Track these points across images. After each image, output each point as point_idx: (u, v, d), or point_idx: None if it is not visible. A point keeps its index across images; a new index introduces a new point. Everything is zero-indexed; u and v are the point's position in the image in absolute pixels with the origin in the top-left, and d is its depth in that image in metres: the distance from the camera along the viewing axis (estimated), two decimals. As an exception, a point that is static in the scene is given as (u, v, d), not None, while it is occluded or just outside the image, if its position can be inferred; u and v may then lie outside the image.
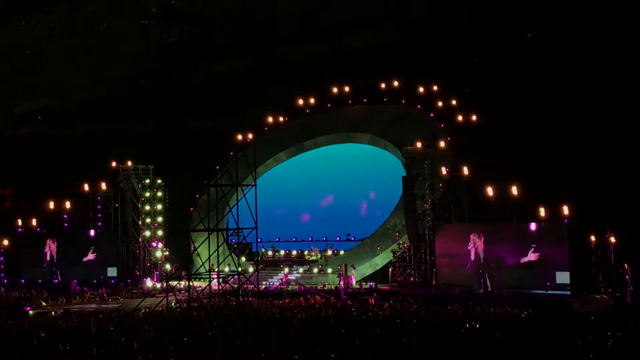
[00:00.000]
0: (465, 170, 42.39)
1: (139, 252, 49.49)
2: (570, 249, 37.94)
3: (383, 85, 51.42)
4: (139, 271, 49.05)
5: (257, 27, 55.53)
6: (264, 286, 44.07)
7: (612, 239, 38.28)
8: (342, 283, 43.83)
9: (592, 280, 38.47)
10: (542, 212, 39.05)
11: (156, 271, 48.57)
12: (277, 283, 46.11)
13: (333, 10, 53.60)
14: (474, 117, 47.08)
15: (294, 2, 52.56)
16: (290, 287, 44.36)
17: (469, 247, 40.92)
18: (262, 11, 56.09)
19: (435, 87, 49.62)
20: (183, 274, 43.96)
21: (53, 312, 36.28)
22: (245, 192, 41.96)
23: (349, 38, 54.18)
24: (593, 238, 38.73)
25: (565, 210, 38.35)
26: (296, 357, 23.58)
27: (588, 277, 38.50)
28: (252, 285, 40.50)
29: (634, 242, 38.03)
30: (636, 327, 27.92)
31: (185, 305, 37.72)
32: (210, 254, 40.44)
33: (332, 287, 43.61)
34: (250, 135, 52.90)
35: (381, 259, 46.13)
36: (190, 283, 39.69)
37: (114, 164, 50.03)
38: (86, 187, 50.21)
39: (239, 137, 53.15)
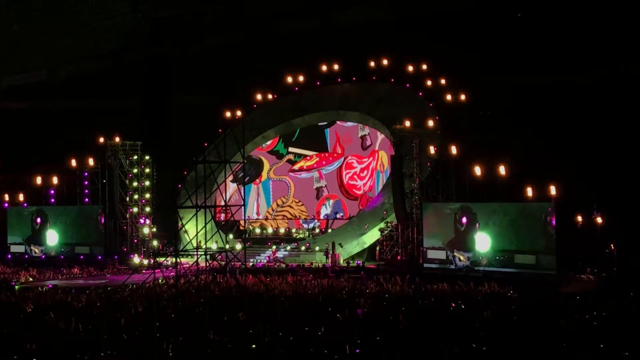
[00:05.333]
0: (454, 150, 42.46)
1: (126, 229, 49.45)
2: (557, 228, 38.05)
3: (372, 64, 51.37)
4: (126, 247, 49.05)
5: (247, 3, 55.28)
6: (251, 263, 44.15)
7: (599, 219, 38.44)
8: (329, 261, 43.97)
9: (578, 260, 38.64)
10: (529, 191, 39.15)
11: (143, 247, 48.55)
12: (265, 260, 46.19)
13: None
14: (462, 97, 47.11)
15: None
16: (277, 264, 44.44)
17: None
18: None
19: (424, 66, 49.60)
20: (170, 251, 43.93)
21: (40, 288, 36.24)
22: (233, 169, 41.88)
23: (338, 15, 53.98)
24: (579, 218, 38.88)
25: (553, 190, 38.45)
26: (281, 333, 23.62)
27: (574, 257, 38.66)
28: (240, 263, 40.54)
29: (619, 223, 38.22)
30: (621, 307, 28.12)
31: (172, 281, 37.74)
32: (198, 230, 40.41)
33: (319, 265, 43.71)
34: (238, 112, 52.80)
35: (369, 238, 46.24)
36: (178, 260, 39.68)
37: (101, 139, 49.90)
38: (73, 162, 50.08)
39: (228, 114, 53.07)
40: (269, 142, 55.52)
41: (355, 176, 52.85)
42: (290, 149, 55.08)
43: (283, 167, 55.29)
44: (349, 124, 53.44)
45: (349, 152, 53.40)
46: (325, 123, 54.26)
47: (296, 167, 54.71)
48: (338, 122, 53.75)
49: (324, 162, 53.91)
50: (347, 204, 52.47)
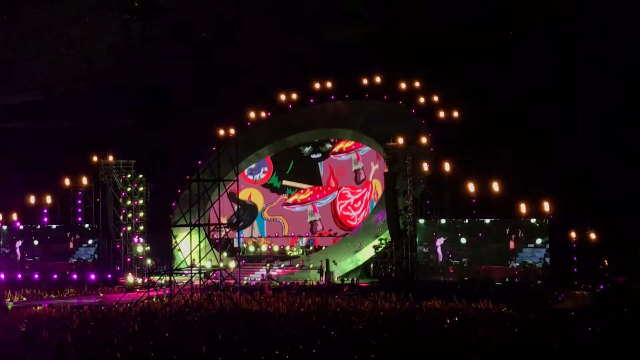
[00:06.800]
0: (447, 167, 42.53)
1: (119, 248, 49.31)
2: (552, 244, 38.12)
3: (365, 81, 51.37)
4: (119, 266, 48.88)
5: (240, 22, 55.48)
6: (245, 282, 44.03)
7: (592, 235, 38.49)
8: (323, 279, 43.90)
9: (572, 275, 38.67)
10: (523, 208, 39.21)
11: (137, 266, 48.40)
12: (259, 279, 46.09)
13: (315, 5, 53.65)
14: (455, 114, 47.21)
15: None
16: (272, 282, 44.31)
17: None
18: (245, 6, 56.09)
19: (417, 84, 49.69)
20: (164, 269, 43.80)
21: (34, 307, 36.11)
22: (227, 188, 41.89)
23: (331, 33, 54.20)
24: (573, 234, 38.94)
25: (546, 206, 38.53)
26: (277, 352, 23.54)
27: (568, 272, 38.70)
28: (234, 281, 40.46)
29: (613, 238, 38.30)
30: (615, 323, 28.12)
31: (166, 300, 37.62)
32: (192, 249, 40.37)
33: (313, 282, 43.63)
34: (232, 131, 52.78)
35: (363, 255, 46.17)
36: (172, 278, 39.56)
37: (95, 158, 49.82)
38: (67, 181, 49.97)
39: (221, 132, 53.03)
40: (263, 176, 55.46)
41: (349, 207, 52.85)
42: (284, 182, 54.99)
43: (277, 206, 55.05)
44: (343, 157, 53.45)
45: (343, 185, 53.32)
46: (319, 156, 54.23)
47: (290, 200, 54.65)
48: (332, 155, 53.73)
49: (317, 196, 53.86)
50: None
